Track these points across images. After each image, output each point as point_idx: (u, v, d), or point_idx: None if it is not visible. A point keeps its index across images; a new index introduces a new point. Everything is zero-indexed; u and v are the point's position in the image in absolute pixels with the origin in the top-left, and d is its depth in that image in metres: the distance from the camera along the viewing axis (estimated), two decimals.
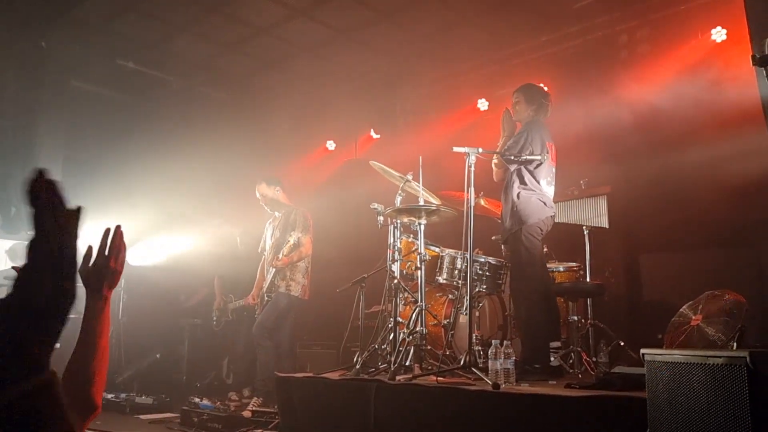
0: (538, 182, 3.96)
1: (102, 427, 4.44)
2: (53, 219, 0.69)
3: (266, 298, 5.10)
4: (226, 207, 6.34)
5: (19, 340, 0.66)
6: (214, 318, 5.88)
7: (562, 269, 4.74)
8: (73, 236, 0.70)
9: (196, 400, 4.92)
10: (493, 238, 4.99)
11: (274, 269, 5.05)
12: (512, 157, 3.89)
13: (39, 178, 0.71)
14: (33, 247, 0.69)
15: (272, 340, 5.00)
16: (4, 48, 5.82)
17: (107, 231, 1.28)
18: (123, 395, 5.56)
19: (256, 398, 4.84)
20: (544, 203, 3.94)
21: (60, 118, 6.25)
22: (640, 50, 5.48)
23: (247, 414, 4.59)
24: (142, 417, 5.12)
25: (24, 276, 0.69)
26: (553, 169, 4.10)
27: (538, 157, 3.82)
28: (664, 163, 4.98)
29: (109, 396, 5.54)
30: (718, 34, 5.13)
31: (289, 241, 5.00)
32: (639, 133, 5.29)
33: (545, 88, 5.87)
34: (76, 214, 0.71)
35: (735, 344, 3.35)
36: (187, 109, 7.01)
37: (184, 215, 6.04)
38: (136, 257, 6.75)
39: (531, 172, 3.95)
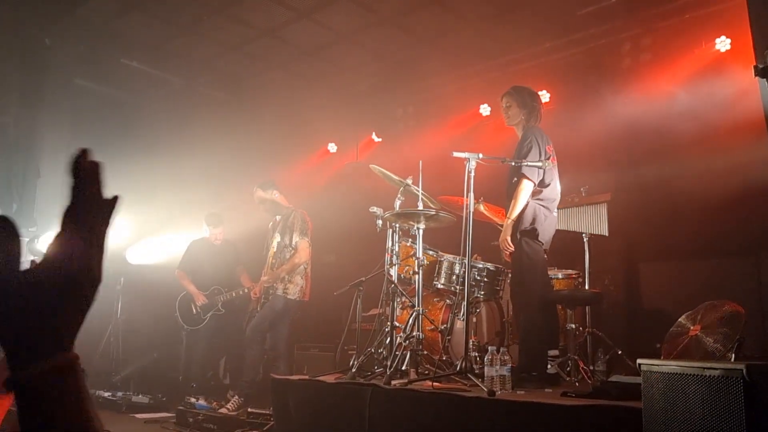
0: (549, 186, 3.94)
1: None
2: (92, 195, 0.68)
3: (262, 300, 5.10)
4: (225, 207, 6.31)
5: (46, 315, 0.64)
6: (195, 311, 5.65)
7: (560, 276, 4.71)
8: (107, 221, 0.69)
9: (192, 400, 4.92)
10: (493, 243, 4.98)
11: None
12: (513, 163, 3.88)
13: (85, 157, 0.70)
14: (67, 221, 0.67)
15: (263, 344, 5.01)
16: (8, 45, 5.82)
17: None
18: (120, 394, 5.56)
19: (237, 397, 4.83)
20: (546, 216, 3.91)
21: (63, 116, 6.26)
22: (643, 59, 5.47)
23: (224, 411, 4.63)
24: (138, 416, 5.12)
25: (55, 250, 0.67)
26: (556, 167, 4.10)
27: (539, 164, 3.81)
28: (665, 172, 4.97)
29: (106, 394, 5.54)
30: (723, 44, 5.11)
31: (287, 243, 5.02)
32: (640, 142, 5.28)
33: (547, 95, 5.94)
34: (113, 201, 0.71)
35: (733, 355, 3.33)
36: (189, 109, 7.02)
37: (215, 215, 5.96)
38: (135, 256, 6.75)
39: (540, 180, 3.92)
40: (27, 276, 0.65)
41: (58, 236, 0.68)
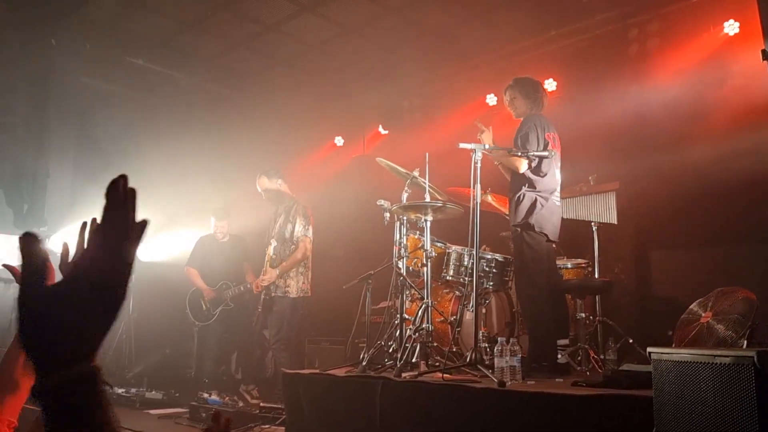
0: (546, 175, 3.92)
1: None
2: (125, 218, 0.71)
3: (263, 296, 5.07)
4: (233, 203, 6.33)
5: (71, 328, 0.67)
6: (205, 307, 5.66)
7: (570, 266, 4.70)
8: (135, 243, 0.72)
9: (205, 395, 4.96)
10: (502, 234, 4.97)
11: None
12: (519, 153, 3.86)
13: (122, 183, 0.73)
14: (96, 238, 0.71)
15: (290, 349, 5.03)
16: (14, 45, 5.86)
17: (84, 225, 1.22)
18: (133, 390, 5.61)
19: (252, 386, 4.89)
20: (543, 205, 3.89)
21: (70, 114, 6.30)
22: (651, 44, 5.41)
23: (248, 399, 4.67)
24: (152, 412, 5.17)
25: (82, 266, 0.70)
26: (559, 155, 4.08)
27: (545, 154, 3.79)
28: (674, 159, 4.92)
29: (120, 391, 5.60)
30: (731, 28, 5.04)
31: (287, 237, 5.03)
32: (648, 128, 5.23)
33: (554, 83, 5.90)
34: (143, 224, 0.75)
35: (745, 342, 3.31)
36: (196, 105, 7.03)
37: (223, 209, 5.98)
38: (145, 253, 6.79)
39: (535, 169, 3.90)
40: (53, 291, 0.68)
41: (85, 252, 0.71)
